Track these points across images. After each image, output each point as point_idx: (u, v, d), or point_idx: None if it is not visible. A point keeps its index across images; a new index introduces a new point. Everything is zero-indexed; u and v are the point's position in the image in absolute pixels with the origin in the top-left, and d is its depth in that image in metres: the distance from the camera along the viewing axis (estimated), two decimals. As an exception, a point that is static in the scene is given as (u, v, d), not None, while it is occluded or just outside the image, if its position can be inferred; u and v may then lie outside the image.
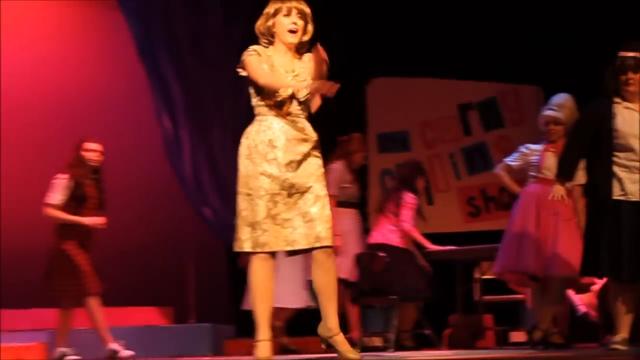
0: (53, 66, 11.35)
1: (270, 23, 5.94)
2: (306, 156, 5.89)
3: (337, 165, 9.88)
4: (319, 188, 5.88)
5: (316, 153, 5.96)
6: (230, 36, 11.08)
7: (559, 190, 7.32)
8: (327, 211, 5.89)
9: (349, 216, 9.91)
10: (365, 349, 9.78)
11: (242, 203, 5.83)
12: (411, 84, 12.38)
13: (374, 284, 9.62)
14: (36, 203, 10.80)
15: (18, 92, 11.12)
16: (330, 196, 9.53)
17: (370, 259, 9.67)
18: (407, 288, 9.51)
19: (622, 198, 6.95)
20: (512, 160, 8.58)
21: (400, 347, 9.49)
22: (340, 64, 11.25)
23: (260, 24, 5.98)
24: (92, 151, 8.83)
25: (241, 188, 5.84)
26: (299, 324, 10.11)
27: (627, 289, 7.07)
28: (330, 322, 5.85)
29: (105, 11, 11.46)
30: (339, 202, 9.77)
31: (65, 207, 8.66)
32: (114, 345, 8.64)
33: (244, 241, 5.81)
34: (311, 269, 9.55)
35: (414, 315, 9.81)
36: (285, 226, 5.80)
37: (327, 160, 9.68)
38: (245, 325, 9.34)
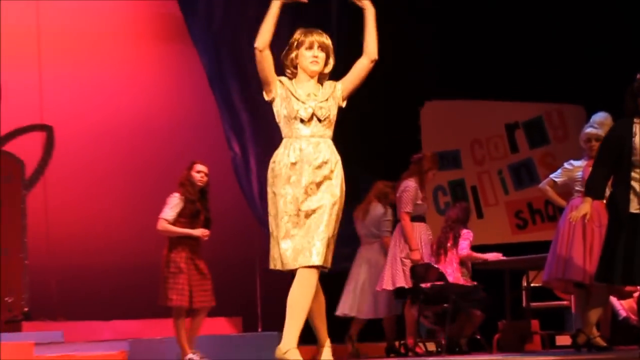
0: (134, 96, 11.50)
1: (293, 55, 5.89)
2: (326, 178, 5.77)
3: (412, 183, 9.84)
4: (334, 210, 5.75)
5: (337, 174, 5.84)
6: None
7: (583, 209, 7.36)
8: (330, 233, 5.73)
9: (422, 230, 9.93)
10: (419, 353, 9.87)
11: (272, 224, 5.76)
12: (461, 106, 12.45)
13: (429, 294, 9.70)
14: (113, 222, 11.03)
15: (104, 118, 11.32)
16: (407, 213, 9.63)
17: (426, 269, 9.74)
18: (460, 297, 9.57)
19: (639, 212, 6.91)
20: (557, 176, 8.61)
21: (452, 351, 9.54)
22: (396, 89, 11.52)
23: (284, 55, 5.94)
24: (200, 172, 9.00)
25: (270, 209, 5.77)
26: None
27: None
28: (288, 336, 5.77)
29: (180, 46, 11.62)
30: (412, 217, 9.83)
31: (178, 222, 8.81)
32: (192, 356, 8.78)
33: (276, 259, 5.73)
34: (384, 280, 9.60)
35: (470, 323, 9.83)
36: (298, 246, 5.67)
37: (398, 177, 9.81)
38: (309, 333, 9.43)
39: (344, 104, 6.02)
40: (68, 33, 11.28)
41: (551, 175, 8.74)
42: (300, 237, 5.65)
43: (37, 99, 10.87)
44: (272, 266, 5.76)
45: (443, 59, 12.11)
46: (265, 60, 5.82)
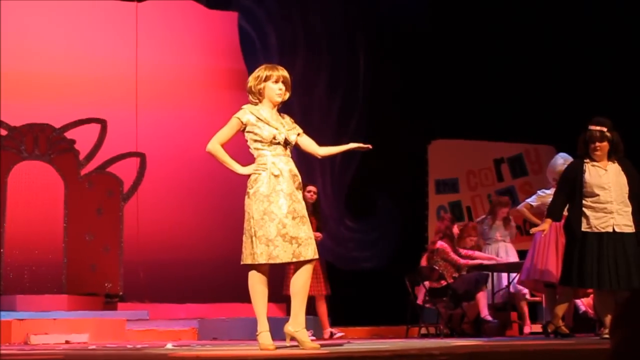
0: (208, 131, 11.38)
1: (261, 86, 5.59)
2: (297, 188, 5.52)
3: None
4: (306, 214, 5.54)
5: (301, 186, 5.59)
6: (330, 110, 11.22)
7: (543, 227, 7.33)
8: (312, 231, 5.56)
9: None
10: (425, 335, 9.79)
11: (256, 225, 5.39)
12: (460, 144, 12.45)
13: (434, 291, 9.66)
14: (188, 228, 11.00)
15: (185, 147, 11.25)
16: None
17: (429, 271, 9.68)
18: (455, 295, 9.51)
19: (588, 230, 7.00)
20: (532, 201, 8.56)
21: (453, 334, 9.47)
22: (410, 130, 11.54)
23: (252, 85, 5.62)
24: (310, 191, 8.88)
25: (255, 214, 5.40)
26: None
27: (605, 294, 7.08)
28: (300, 318, 5.45)
29: (244, 94, 11.61)
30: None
31: None
32: (331, 330, 8.76)
33: (259, 255, 5.37)
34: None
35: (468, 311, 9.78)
36: (292, 243, 5.37)
37: (410, 197, 9.64)
38: (335, 317, 9.39)
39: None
40: (159, 81, 11.31)
41: (527, 200, 8.69)
42: (295, 236, 5.38)
43: (133, 132, 10.91)
44: (252, 260, 5.41)
45: (447, 109, 12.11)
46: (227, 138, 5.65)
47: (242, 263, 5.50)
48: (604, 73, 11.59)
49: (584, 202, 7.03)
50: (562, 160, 8.25)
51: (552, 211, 7.33)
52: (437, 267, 9.57)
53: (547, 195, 8.34)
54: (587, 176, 7.06)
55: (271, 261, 5.39)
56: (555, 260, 8.06)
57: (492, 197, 10.54)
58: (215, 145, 5.62)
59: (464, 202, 12.30)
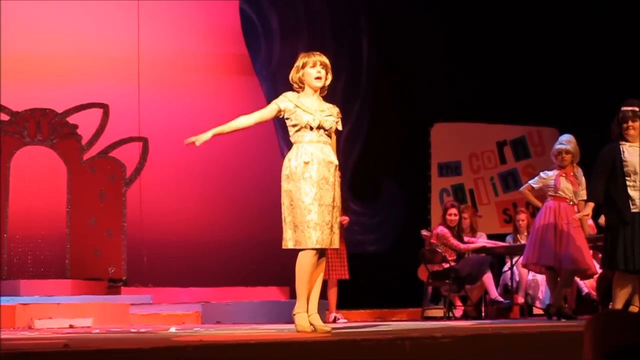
0: (210, 114, 11.38)
1: (300, 74, 5.63)
2: (331, 175, 5.53)
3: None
4: (338, 201, 5.59)
5: (338, 173, 5.62)
6: (333, 94, 11.18)
7: (587, 211, 7.35)
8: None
9: None
10: (427, 317, 9.80)
11: (285, 211, 5.49)
12: (462, 127, 12.39)
13: (436, 273, 9.66)
14: (191, 212, 11.01)
15: (188, 131, 11.22)
16: None
17: (432, 254, 9.68)
18: (458, 277, 9.51)
19: (636, 211, 6.94)
20: (534, 183, 8.46)
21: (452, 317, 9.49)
22: (412, 113, 11.52)
23: (292, 75, 5.67)
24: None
25: (284, 200, 5.50)
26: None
27: (628, 277, 7.02)
28: (313, 303, 5.52)
29: (246, 77, 11.62)
30: None
31: None
32: (336, 314, 8.77)
33: (288, 240, 5.47)
34: None
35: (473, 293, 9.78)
36: (317, 229, 5.41)
37: (413, 180, 9.61)
38: (339, 300, 9.39)
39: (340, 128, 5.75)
40: (161, 64, 11.29)
41: (529, 182, 8.59)
42: (319, 223, 5.40)
43: (135, 116, 10.89)
44: (284, 246, 5.51)
45: (449, 91, 12.09)
46: (263, 120, 5.77)
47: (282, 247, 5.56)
48: (608, 55, 11.55)
49: (628, 182, 6.96)
50: (565, 139, 8.24)
51: (593, 194, 7.23)
52: (439, 250, 9.58)
53: (549, 177, 8.28)
54: (628, 155, 7.04)
55: (297, 246, 5.43)
56: (553, 243, 8.00)
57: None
58: (242, 117, 5.78)
59: (466, 185, 12.29)
